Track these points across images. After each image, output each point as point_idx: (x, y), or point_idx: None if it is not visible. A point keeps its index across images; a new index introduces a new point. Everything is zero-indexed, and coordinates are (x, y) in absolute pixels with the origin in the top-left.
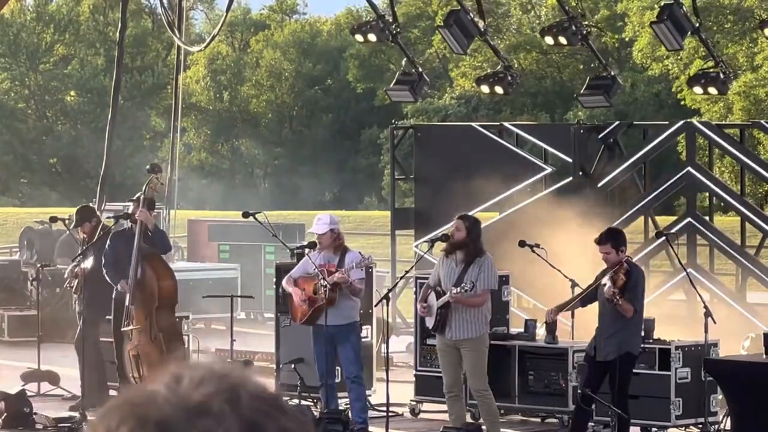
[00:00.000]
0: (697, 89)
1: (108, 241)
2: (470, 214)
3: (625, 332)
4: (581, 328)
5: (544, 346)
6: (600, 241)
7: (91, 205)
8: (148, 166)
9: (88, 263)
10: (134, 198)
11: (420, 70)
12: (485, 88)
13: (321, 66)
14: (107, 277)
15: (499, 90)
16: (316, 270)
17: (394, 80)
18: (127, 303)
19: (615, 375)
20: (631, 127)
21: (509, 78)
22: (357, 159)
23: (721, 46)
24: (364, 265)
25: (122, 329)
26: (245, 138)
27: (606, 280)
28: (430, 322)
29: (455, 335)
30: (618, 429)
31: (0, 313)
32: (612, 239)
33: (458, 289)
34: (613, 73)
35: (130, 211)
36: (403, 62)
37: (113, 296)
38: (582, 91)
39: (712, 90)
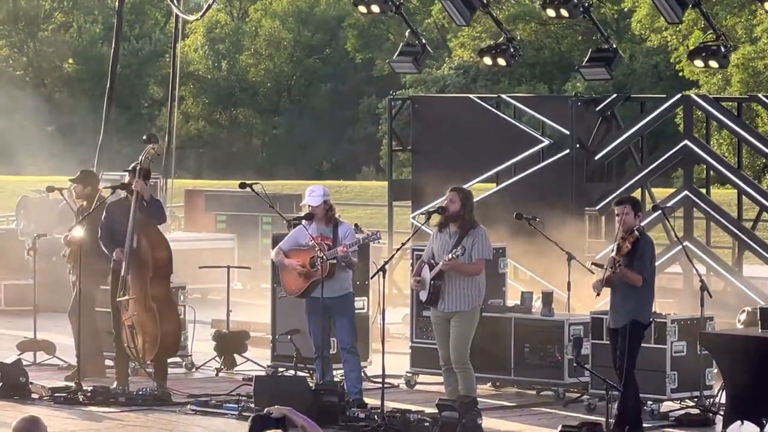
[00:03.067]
0: (698, 62)
1: (104, 212)
2: (464, 186)
3: (635, 300)
4: (577, 301)
5: (540, 319)
6: (620, 201)
7: (94, 172)
8: (144, 136)
9: (82, 233)
10: (130, 168)
11: (423, 41)
12: (487, 60)
13: (320, 35)
14: (103, 247)
15: (501, 62)
16: (312, 242)
17: (398, 51)
18: (122, 273)
19: (622, 343)
20: (628, 99)
21: (511, 50)
22: (355, 129)
23: (719, 18)
24: (369, 241)
25: (117, 299)
26: (243, 107)
27: (616, 243)
28: (423, 296)
29: (448, 307)
30: (622, 401)
31: None
32: (632, 202)
33: (450, 254)
34: (614, 45)
35: (126, 181)
36: (406, 33)
37: (111, 266)
38: (583, 63)
39: (713, 63)
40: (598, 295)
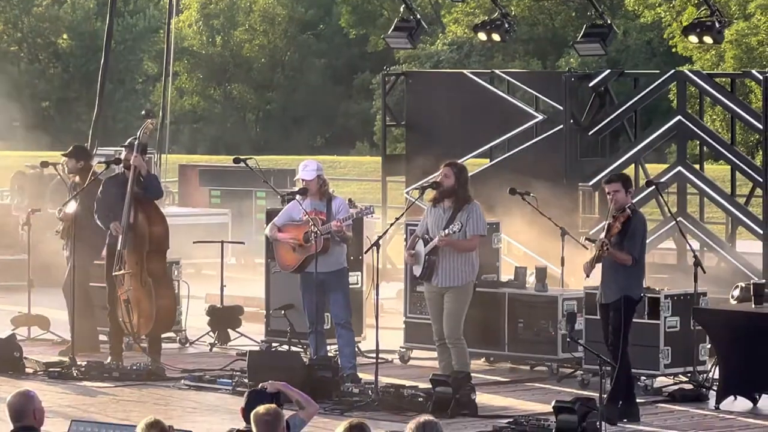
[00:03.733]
0: (693, 38)
1: (101, 186)
2: (458, 161)
3: (626, 277)
4: (571, 276)
5: (533, 294)
6: (610, 180)
7: (86, 148)
8: (143, 111)
9: (75, 208)
10: (127, 143)
11: (418, 16)
12: (482, 36)
13: (314, 11)
14: (98, 221)
15: (496, 37)
16: (306, 217)
17: (393, 27)
18: (119, 247)
19: (613, 318)
20: (622, 75)
21: (506, 25)
22: (349, 104)
23: None
24: (362, 215)
25: (113, 273)
26: (237, 82)
27: (607, 223)
28: (417, 270)
29: (442, 282)
30: (615, 376)
31: None
32: (622, 179)
33: (447, 230)
34: (609, 21)
35: (122, 156)
36: (401, 9)
37: (107, 241)
38: (578, 39)
39: (708, 39)
40: (587, 276)
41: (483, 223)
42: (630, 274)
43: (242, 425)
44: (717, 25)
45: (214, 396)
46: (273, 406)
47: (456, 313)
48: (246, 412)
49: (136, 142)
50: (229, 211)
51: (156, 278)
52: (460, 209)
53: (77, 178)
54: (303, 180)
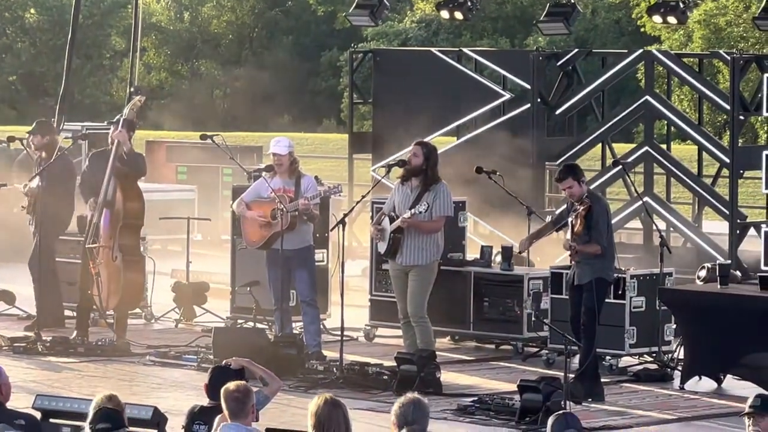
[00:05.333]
0: (657, 18)
1: (87, 161)
2: (427, 140)
3: (600, 259)
4: (537, 255)
5: (499, 273)
6: (560, 178)
7: (51, 123)
8: (131, 88)
9: (38, 183)
10: (114, 120)
11: None
12: (445, 14)
13: None
14: (81, 196)
15: (459, 16)
16: (273, 194)
17: (354, 4)
18: (94, 221)
19: (587, 298)
20: (590, 54)
21: (469, 3)
22: (316, 81)
23: None
24: (330, 194)
25: (87, 246)
26: (205, 59)
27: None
28: (382, 248)
29: (406, 260)
30: (583, 356)
31: None
32: (571, 173)
33: (413, 211)
34: (573, 0)
35: (83, 132)
36: None
37: (69, 217)
38: (541, 18)
39: (672, 19)
40: (520, 252)
41: (449, 204)
42: (603, 257)
43: (206, 401)
44: (681, 5)
45: (180, 372)
46: (243, 382)
47: (420, 292)
48: (210, 389)
49: (122, 118)
50: (196, 187)
51: (127, 254)
52: (428, 189)
53: (44, 153)
54: (275, 154)
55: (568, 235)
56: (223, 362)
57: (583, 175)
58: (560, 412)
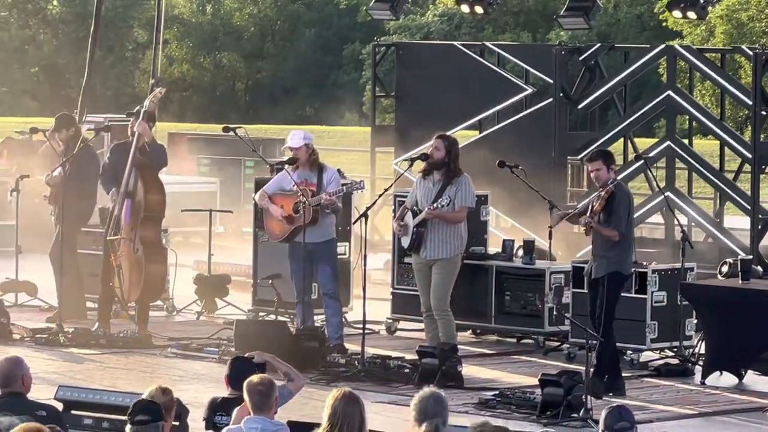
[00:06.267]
0: (676, 13)
1: (109, 152)
2: (449, 134)
3: (615, 252)
4: (558, 250)
5: (521, 267)
6: (591, 158)
7: (72, 115)
8: (152, 80)
9: (61, 173)
10: (134, 111)
11: None
12: (465, 8)
13: None
14: (102, 187)
15: (479, 10)
16: (296, 187)
17: None
18: (115, 213)
19: (602, 292)
20: (612, 49)
21: None
22: (338, 74)
23: None
24: (353, 190)
25: (108, 238)
26: (227, 51)
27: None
28: (405, 242)
29: (430, 254)
30: (600, 351)
31: None
32: (603, 156)
33: (435, 204)
34: None
35: (105, 125)
36: None
37: (91, 208)
38: (562, 13)
39: (691, 14)
40: (550, 227)
41: (472, 196)
42: (620, 249)
43: (225, 393)
44: (701, 0)
45: (201, 364)
46: (266, 376)
47: (443, 285)
48: (231, 379)
49: (142, 110)
50: (218, 179)
51: (148, 246)
52: (450, 182)
53: (68, 145)
54: (290, 148)
55: (588, 215)
56: (247, 354)
57: (614, 163)
58: (614, 404)
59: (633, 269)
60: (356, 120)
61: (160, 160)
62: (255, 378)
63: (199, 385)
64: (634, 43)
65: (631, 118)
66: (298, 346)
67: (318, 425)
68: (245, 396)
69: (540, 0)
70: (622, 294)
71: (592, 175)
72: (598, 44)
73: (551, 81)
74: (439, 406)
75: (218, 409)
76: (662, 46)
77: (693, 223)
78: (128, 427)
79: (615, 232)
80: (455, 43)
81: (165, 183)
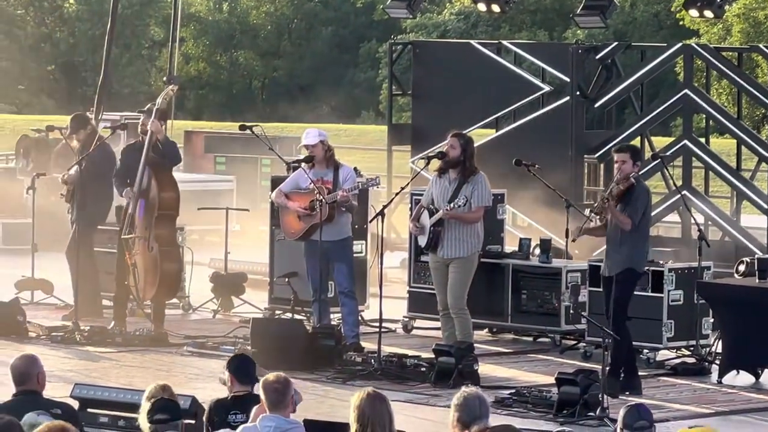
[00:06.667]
0: (693, 12)
1: (122, 153)
2: (464, 132)
3: (628, 248)
4: (575, 248)
5: (537, 266)
6: (620, 149)
7: (87, 114)
8: (165, 78)
9: (80, 171)
10: (145, 109)
11: None
12: (482, 6)
13: None
14: (115, 187)
15: (495, 8)
16: (312, 185)
17: None
18: (129, 211)
19: (614, 290)
20: (629, 48)
21: None
22: (355, 73)
23: None
24: (368, 186)
25: (123, 236)
26: (244, 49)
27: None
28: (422, 241)
29: (447, 253)
30: (614, 349)
31: None
32: (631, 150)
33: (452, 204)
34: None
35: (140, 122)
36: None
37: (108, 206)
38: (578, 12)
39: (708, 13)
40: (573, 240)
41: (488, 194)
42: (634, 246)
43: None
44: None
45: (217, 363)
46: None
47: (460, 284)
48: (237, 377)
49: (155, 108)
50: (234, 177)
51: (163, 244)
52: (466, 181)
53: (84, 143)
54: (306, 146)
55: (605, 194)
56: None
57: (640, 161)
58: (633, 403)
59: (647, 267)
60: (372, 118)
61: (174, 158)
62: (271, 376)
63: (214, 384)
64: (651, 42)
65: (648, 117)
66: (315, 344)
67: (335, 424)
68: (261, 394)
69: None
70: (639, 292)
71: (616, 166)
72: (615, 43)
73: (568, 79)
74: (484, 407)
75: (231, 408)
76: (679, 44)
77: (710, 222)
78: (147, 426)
79: (629, 220)
80: (472, 41)
81: (181, 181)
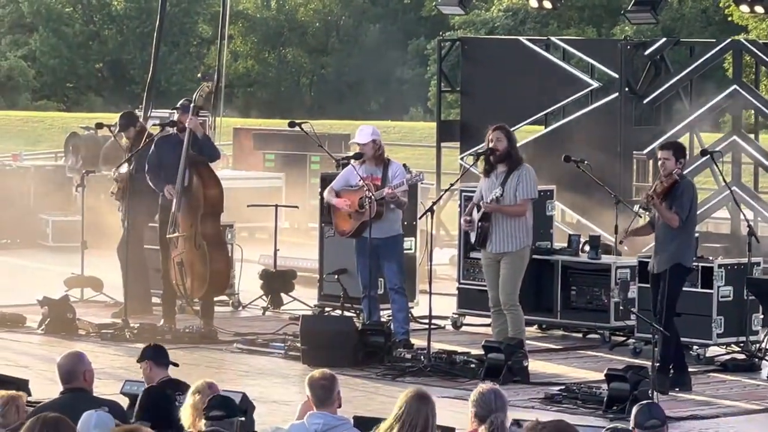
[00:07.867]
0: (744, 7)
1: (152, 147)
2: (503, 123)
3: (676, 244)
4: (624, 244)
5: (587, 262)
6: (664, 146)
7: (135, 111)
8: (199, 74)
9: (130, 169)
10: (179, 104)
11: None
12: (533, 2)
13: None
14: (149, 182)
15: (547, 5)
16: (361, 182)
17: None
18: (173, 210)
19: (663, 286)
20: (677, 44)
21: None
22: (403, 69)
23: None
24: (413, 182)
25: (167, 236)
26: (292, 46)
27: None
28: (473, 237)
29: (496, 248)
30: (662, 346)
31: (44, 218)
32: (675, 147)
33: (491, 196)
34: None
35: (175, 118)
36: None
37: (160, 202)
38: (629, 8)
39: (759, 9)
40: (620, 242)
41: (533, 187)
42: (681, 243)
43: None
44: None
45: (267, 360)
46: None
47: (512, 279)
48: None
49: (191, 105)
50: (284, 174)
51: (210, 241)
52: (512, 172)
53: (134, 141)
54: (357, 144)
55: (650, 191)
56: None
57: (685, 157)
58: (644, 402)
59: (696, 264)
60: (421, 115)
61: (212, 153)
62: (317, 373)
63: (264, 381)
64: (699, 38)
65: (697, 113)
66: (364, 341)
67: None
68: (307, 391)
69: None
70: (689, 289)
71: (659, 162)
72: (664, 39)
73: (617, 76)
74: (500, 401)
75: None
76: (728, 40)
77: (759, 218)
78: (203, 423)
79: (676, 217)
80: (520, 38)
81: (230, 178)
